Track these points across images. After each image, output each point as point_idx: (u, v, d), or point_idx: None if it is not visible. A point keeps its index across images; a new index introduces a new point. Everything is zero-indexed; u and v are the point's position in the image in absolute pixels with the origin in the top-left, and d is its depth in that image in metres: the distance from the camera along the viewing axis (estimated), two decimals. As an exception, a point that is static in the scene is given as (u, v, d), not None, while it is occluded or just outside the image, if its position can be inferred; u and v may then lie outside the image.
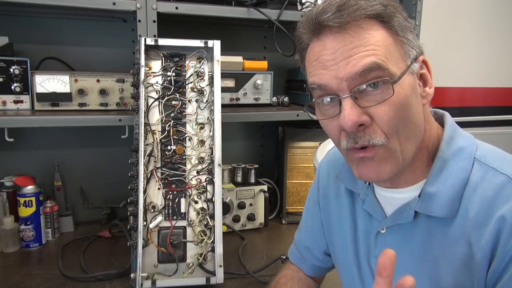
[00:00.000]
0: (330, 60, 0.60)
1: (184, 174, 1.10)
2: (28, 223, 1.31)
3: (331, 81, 0.60)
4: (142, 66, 1.07)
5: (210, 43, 1.12)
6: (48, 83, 1.22)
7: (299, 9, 1.40)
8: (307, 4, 1.40)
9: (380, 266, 0.46)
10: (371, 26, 0.59)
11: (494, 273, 0.57)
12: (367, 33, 0.59)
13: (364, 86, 0.59)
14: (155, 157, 1.08)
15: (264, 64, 1.47)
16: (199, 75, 1.12)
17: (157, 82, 1.10)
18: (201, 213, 1.10)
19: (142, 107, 1.06)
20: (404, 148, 0.61)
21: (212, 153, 1.11)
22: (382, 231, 0.71)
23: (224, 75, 1.30)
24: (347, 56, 0.58)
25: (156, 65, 1.11)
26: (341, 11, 0.58)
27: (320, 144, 1.38)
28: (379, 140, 0.60)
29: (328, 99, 0.62)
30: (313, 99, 0.67)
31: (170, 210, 1.09)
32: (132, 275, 1.02)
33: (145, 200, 1.06)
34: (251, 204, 1.49)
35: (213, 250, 1.08)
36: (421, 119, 0.64)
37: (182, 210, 1.09)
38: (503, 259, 0.56)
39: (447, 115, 0.70)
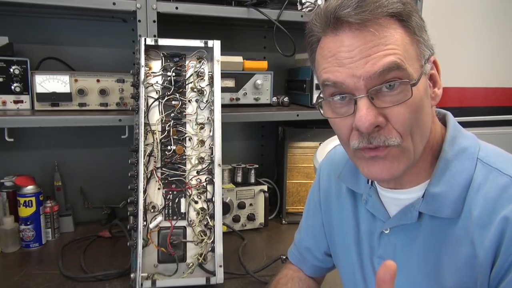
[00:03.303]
0: (347, 58, 0.58)
1: (184, 174, 1.10)
2: (28, 223, 1.31)
3: (348, 79, 0.58)
4: (142, 66, 1.07)
5: (210, 43, 1.11)
6: (48, 83, 1.22)
7: (299, 9, 1.40)
8: (307, 4, 1.40)
9: (380, 279, 0.46)
10: (390, 25, 0.58)
11: (497, 273, 0.57)
12: (387, 31, 0.57)
13: (382, 87, 0.57)
14: (155, 157, 1.08)
15: (264, 64, 1.47)
16: (199, 75, 1.12)
17: (157, 82, 1.10)
18: (201, 213, 1.10)
19: (142, 107, 1.06)
20: (415, 147, 0.61)
21: (212, 153, 1.11)
22: (386, 232, 0.71)
23: (224, 75, 1.30)
24: (366, 55, 0.57)
25: (156, 65, 1.11)
26: (362, 7, 0.57)
27: (320, 144, 1.37)
28: (394, 141, 0.59)
29: (341, 97, 0.61)
30: (321, 95, 0.65)
31: (170, 210, 1.09)
32: (132, 275, 1.02)
33: (145, 200, 1.06)
34: (251, 204, 1.49)
35: (213, 250, 1.08)
36: (430, 120, 0.64)
37: (182, 210, 1.09)
38: (506, 260, 0.56)
39: (449, 115, 0.70)
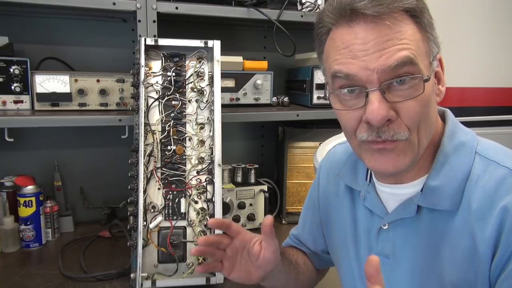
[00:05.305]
0: (361, 50, 0.58)
1: (184, 174, 1.10)
2: (28, 223, 1.31)
3: (360, 72, 0.58)
4: (142, 66, 1.07)
5: (210, 43, 1.11)
6: (48, 83, 1.22)
7: (299, 9, 1.40)
8: (307, 4, 1.40)
9: (368, 276, 0.47)
10: (404, 20, 0.58)
11: (497, 264, 0.57)
12: (402, 26, 0.58)
13: (394, 81, 0.58)
14: (155, 157, 1.08)
15: (264, 64, 1.47)
16: (199, 75, 1.12)
17: (157, 82, 1.10)
18: (201, 213, 1.10)
19: (142, 107, 1.06)
20: (421, 142, 0.62)
21: (212, 153, 1.11)
22: (384, 227, 0.71)
23: (224, 75, 1.30)
24: (380, 48, 0.57)
25: (156, 65, 1.11)
26: (379, 0, 0.57)
27: (320, 144, 1.37)
28: (402, 135, 0.60)
29: (350, 90, 0.61)
30: (327, 86, 0.65)
31: (170, 210, 1.09)
32: (132, 275, 1.02)
33: (145, 200, 1.06)
34: (251, 204, 1.49)
35: (213, 250, 1.08)
36: (435, 116, 0.65)
37: (182, 210, 1.09)
38: (506, 250, 0.57)
39: (448, 112, 0.71)
